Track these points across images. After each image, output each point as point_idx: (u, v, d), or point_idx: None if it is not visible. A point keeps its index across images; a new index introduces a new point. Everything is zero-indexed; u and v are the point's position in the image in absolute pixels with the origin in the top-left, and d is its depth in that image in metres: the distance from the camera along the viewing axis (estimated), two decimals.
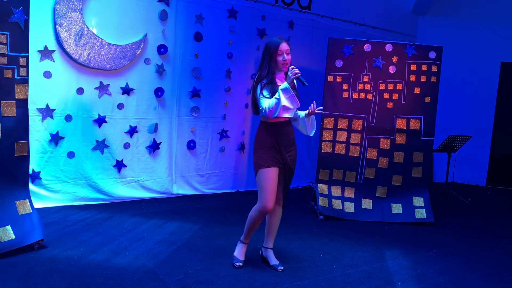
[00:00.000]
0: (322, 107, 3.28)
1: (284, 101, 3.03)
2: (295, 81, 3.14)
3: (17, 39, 3.24)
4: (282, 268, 3.33)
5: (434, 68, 5.07)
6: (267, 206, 3.15)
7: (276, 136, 3.20)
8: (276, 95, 3.05)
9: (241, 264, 3.33)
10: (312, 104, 3.22)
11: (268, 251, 3.44)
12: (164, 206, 5.00)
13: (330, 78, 5.09)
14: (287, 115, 3.12)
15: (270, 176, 3.16)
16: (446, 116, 7.27)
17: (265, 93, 3.11)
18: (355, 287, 3.15)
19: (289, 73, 3.10)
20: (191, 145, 5.55)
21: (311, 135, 3.39)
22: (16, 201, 3.35)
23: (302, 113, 3.31)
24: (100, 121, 4.83)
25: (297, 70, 3.08)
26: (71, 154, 4.70)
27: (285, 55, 3.15)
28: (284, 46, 3.16)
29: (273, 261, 3.39)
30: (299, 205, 5.45)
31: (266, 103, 3.07)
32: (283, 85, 3.05)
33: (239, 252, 3.39)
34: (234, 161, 5.96)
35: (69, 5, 4.47)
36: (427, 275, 3.44)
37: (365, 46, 5.06)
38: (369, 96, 5.07)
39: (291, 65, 3.18)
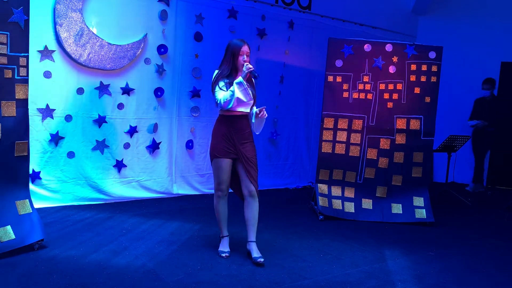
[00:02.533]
0: (265, 114, 3.45)
1: (238, 94, 3.31)
2: (252, 78, 3.44)
3: (17, 39, 3.24)
4: (262, 260, 3.37)
5: (434, 68, 5.06)
6: (219, 191, 3.49)
7: (229, 128, 3.44)
8: (231, 88, 3.33)
9: (227, 254, 3.52)
10: (262, 108, 3.43)
11: (250, 244, 3.51)
12: (164, 206, 5.00)
13: (330, 78, 5.09)
14: (242, 109, 3.43)
15: (221, 166, 3.44)
16: (446, 116, 7.26)
17: (221, 84, 3.39)
18: (355, 287, 3.15)
19: (243, 68, 3.37)
20: (190, 145, 5.55)
21: (257, 133, 3.60)
22: (16, 201, 3.35)
23: (254, 110, 3.53)
24: (100, 121, 4.84)
25: (250, 66, 3.36)
26: (71, 154, 4.70)
27: (245, 56, 3.42)
28: (245, 48, 3.43)
29: (255, 253, 3.44)
30: (299, 205, 5.45)
31: (222, 95, 3.36)
32: (238, 79, 3.34)
33: (222, 245, 3.61)
34: None
35: (69, 5, 4.48)
36: (427, 275, 3.44)
37: (365, 46, 5.06)
38: (369, 96, 5.07)
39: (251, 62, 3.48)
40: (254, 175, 3.47)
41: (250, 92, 3.36)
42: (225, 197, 3.53)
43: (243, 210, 3.51)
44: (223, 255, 3.51)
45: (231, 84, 3.39)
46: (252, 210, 3.48)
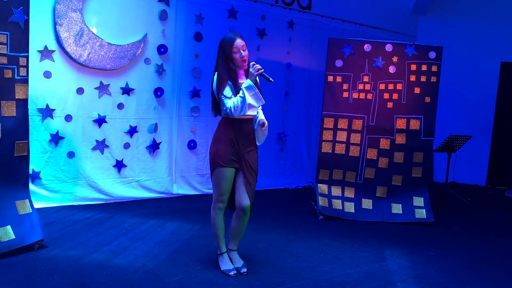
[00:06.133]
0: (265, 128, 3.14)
1: (249, 99, 2.96)
2: (257, 78, 3.06)
3: (17, 39, 3.24)
4: (245, 270, 3.22)
5: (434, 68, 5.06)
6: (220, 203, 3.14)
7: (236, 133, 3.10)
8: (241, 94, 2.97)
9: (235, 271, 3.18)
10: (264, 124, 3.13)
11: (232, 253, 3.31)
12: (164, 206, 5.00)
13: (330, 78, 5.09)
14: (250, 112, 3.08)
15: (225, 176, 3.09)
16: (446, 116, 7.27)
17: (226, 92, 3.02)
18: (355, 287, 3.15)
19: (251, 69, 3.00)
20: (191, 145, 5.55)
21: (259, 144, 3.25)
22: (16, 201, 3.35)
23: (260, 116, 3.21)
24: (100, 121, 4.84)
25: (259, 66, 3.00)
26: (71, 154, 4.70)
27: (241, 51, 3.04)
28: (239, 42, 3.04)
29: (237, 263, 3.28)
30: (299, 205, 5.45)
31: (231, 102, 2.99)
32: (246, 82, 2.98)
33: (225, 263, 3.24)
34: None
35: (69, 5, 4.48)
36: (427, 275, 3.44)
37: (365, 46, 5.06)
38: (369, 96, 5.07)
39: (250, 61, 3.09)
40: (253, 186, 3.16)
41: (261, 95, 3.01)
42: (224, 209, 3.19)
43: (231, 221, 3.24)
44: (231, 273, 3.15)
45: (235, 87, 3.03)
46: (242, 223, 3.19)
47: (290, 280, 3.18)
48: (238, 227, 3.22)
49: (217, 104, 3.16)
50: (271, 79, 3.05)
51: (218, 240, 3.24)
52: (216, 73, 3.09)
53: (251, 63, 3.03)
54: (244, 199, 3.12)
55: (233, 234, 3.27)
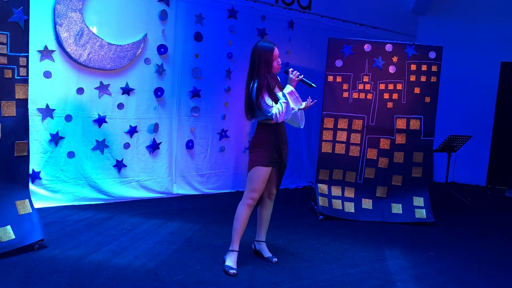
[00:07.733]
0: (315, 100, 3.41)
1: (291, 104, 3.19)
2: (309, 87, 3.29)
3: (17, 39, 3.24)
4: (276, 259, 3.47)
5: (434, 68, 5.07)
6: (250, 200, 3.28)
7: (276, 136, 3.31)
8: (283, 99, 3.18)
9: (235, 271, 3.22)
10: (308, 98, 3.36)
11: (261, 244, 3.57)
12: (164, 206, 5.00)
13: (330, 78, 5.09)
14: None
15: (265, 175, 3.28)
16: (446, 116, 7.27)
17: (268, 101, 3.19)
18: (355, 287, 3.15)
19: (290, 75, 3.24)
20: (190, 145, 5.55)
21: (302, 127, 3.54)
22: (16, 201, 3.35)
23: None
24: (100, 121, 4.84)
25: (297, 72, 3.24)
26: (71, 154, 4.70)
27: (278, 58, 3.27)
28: (276, 50, 3.24)
29: (267, 253, 3.52)
30: (299, 205, 5.45)
31: (275, 109, 3.18)
32: (288, 88, 3.20)
33: (231, 260, 3.28)
34: (234, 161, 5.96)
35: (69, 5, 4.48)
36: (427, 275, 3.44)
37: (365, 46, 5.07)
38: (369, 96, 5.07)
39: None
40: (281, 180, 3.51)
41: (300, 99, 3.25)
42: (252, 207, 3.33)
43: (259, 210, 3.54)
44: (231, 271, 3.20)
45: (270, 94, 3.21)
46: (269, 210, 3.53)
47: (290, 280, 3.18)
48: (267, 215, 3.53)
49: (252, 109, 3.29)
50: (313, 84, 3.28)
51: (236, 236, 3.30)
52: (257, 81, 3.19)
53: (289, 69, 3.26)
54: (274, 187, 3.46)
55: (265, 224, 3.54)
